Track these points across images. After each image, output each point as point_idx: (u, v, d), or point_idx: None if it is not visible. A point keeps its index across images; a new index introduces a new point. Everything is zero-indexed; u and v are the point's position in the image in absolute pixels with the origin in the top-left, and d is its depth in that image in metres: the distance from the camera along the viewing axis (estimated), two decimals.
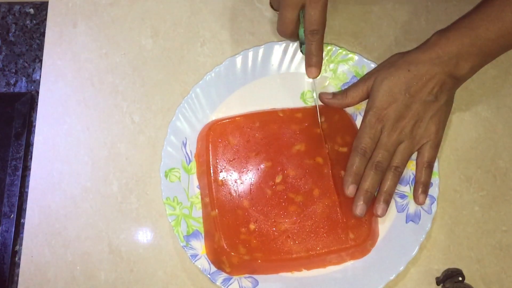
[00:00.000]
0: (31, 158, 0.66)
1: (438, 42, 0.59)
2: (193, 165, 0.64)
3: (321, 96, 0.65)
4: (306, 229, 0.59)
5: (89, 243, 0.63)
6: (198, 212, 0.62)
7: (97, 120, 0.68)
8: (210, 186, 0.60)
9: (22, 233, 0.64)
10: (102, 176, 0.66)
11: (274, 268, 0.60)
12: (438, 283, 0.61)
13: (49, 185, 0.65)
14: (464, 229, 0.63)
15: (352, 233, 0.59)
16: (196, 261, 0.60)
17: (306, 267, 0.60)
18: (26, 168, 0.67)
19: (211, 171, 0.61)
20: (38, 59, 0.71)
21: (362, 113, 0.65)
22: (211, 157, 0.62)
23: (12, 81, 0.70)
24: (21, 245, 0.64)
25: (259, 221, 0.59)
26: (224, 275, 0.59)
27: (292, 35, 0.63)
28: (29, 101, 0.69)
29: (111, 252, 0.63)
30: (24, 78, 0.70)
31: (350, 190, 0.59)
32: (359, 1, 0.71)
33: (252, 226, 0.59)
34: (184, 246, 0.60)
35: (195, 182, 0.63)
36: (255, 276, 0.60)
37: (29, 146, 0.67)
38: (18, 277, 0.63)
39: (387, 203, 0.60)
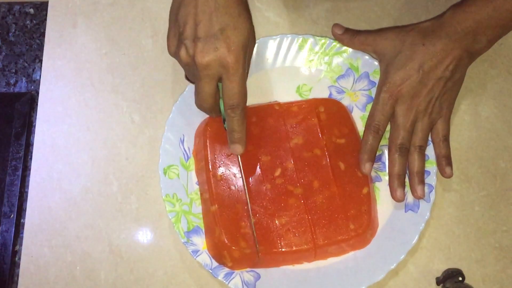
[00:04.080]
0: (31, 158, 0.66)
1: (455, 16, 0.58)
2: (191, 161, 0.64)
3: (334, 28, 0.65)
4: (306, 221, 0.59)
5: (89, 243, 0.63)
6: (198, 208, 0.62)
7: (97, 120, 0.68)
8: (209, 182, 0.61)
9: (22, 233, 0.64)
10: (102, 176, 0.66)
11: (275, 261, 0.60)
12: (438, 283, 0.61)
13: (49, 185, 0.65)
14: (464, 229, 0.63)
15: (352, 223, 0.60)
16: (197, 256, 0.60)
17: (307, 260, 0.60)
18: (26, 168, 0.67)
19: (210, 167, 0.61)
20: (38, 59, 0.71)
21: (359, 105, 0.66)
22: (209, 152, 0.62)
23: (12, 81, 0.70)
24: (21, 245, 0.64)
25: (259, 214, 0.60)
26: (225, 270, 0.59)
27: (212, 110, 0.59)
28: (29, 101, 0.69)
29: (111, 252, 0.63)
30: (24, 78, 0.70)
31: (367, 168, 0.60)
32: (359, 0, 0.71)
33: (252, 220, 0.59)
34: (185, 242, 0.60)
35: (194, 179, 0.63)
36: (257, 270, 0.60)
37: (29, 146, 0.67)
38: (18, 277, 0.62)
39: (423, 182, 0.61)
